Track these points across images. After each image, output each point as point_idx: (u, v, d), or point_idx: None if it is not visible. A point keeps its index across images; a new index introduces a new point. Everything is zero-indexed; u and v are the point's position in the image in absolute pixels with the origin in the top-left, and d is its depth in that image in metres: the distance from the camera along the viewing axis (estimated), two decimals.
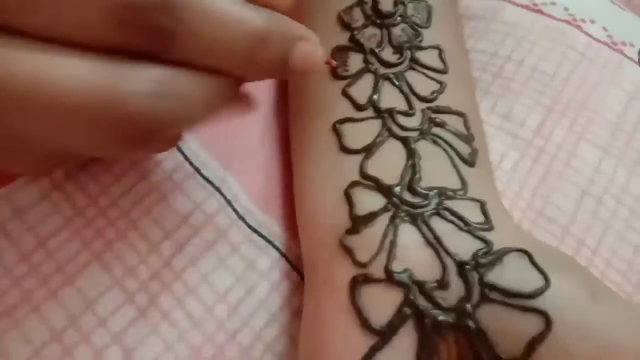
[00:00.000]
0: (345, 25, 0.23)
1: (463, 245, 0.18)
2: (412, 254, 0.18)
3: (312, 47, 0.18)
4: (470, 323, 0.17)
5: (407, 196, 0.19)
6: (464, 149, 0.21)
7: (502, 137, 0.27)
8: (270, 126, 0.26)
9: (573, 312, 0.17)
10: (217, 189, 0.24)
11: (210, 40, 0.15)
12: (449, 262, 0.18)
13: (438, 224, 0.19)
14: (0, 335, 0.20)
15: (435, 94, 0.22)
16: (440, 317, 0.17)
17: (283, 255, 0.23)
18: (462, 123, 0.22)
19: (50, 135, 0.15)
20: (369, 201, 0.19)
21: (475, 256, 0.18)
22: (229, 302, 0.22)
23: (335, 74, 0.22)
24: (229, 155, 0.25)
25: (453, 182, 0.20)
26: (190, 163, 0.25)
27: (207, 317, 0.21)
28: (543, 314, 0.17)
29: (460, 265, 0.18)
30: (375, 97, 0.22)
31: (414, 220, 0.19)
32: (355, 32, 0.23)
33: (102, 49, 0.15)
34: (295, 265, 0.23)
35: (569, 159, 0.27)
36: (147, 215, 0.23)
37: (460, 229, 0.19)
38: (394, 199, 0.19)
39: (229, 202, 0.24)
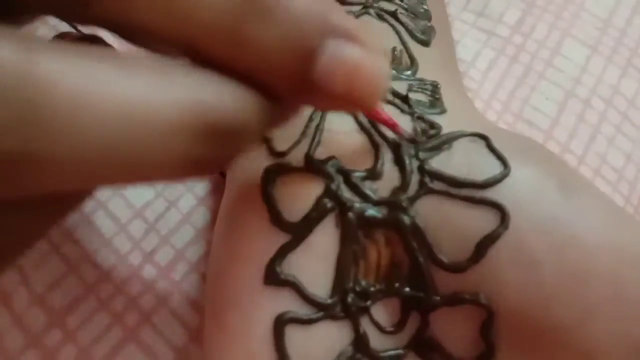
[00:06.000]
0: None
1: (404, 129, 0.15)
2: (342, 140, 0.14)
3: (365, 55, 0.10)
4: (405, 219, 0.13)
5: None
6: (416, 25, 0.17)
7: (476, 34, 0.23)
8: None
9: (536, 205, 0.13)
10: None
11: None
12: (384, 148, 0.14)
13: None
14: None
15: None
16: (368, 212, 0.13)
17: None
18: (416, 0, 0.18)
19: None
20: None
21: (415, 139, 0.14)
22: (146, 218, 0.18)
23: None
24: None
25: (401, 61, 0.16)
26: None
27: (120, 235, 0.18)
28: (498, 207, 0.13)
29: (396, 150, 0.14)
30: None
31: None
32: None
33: None
34: None
35: (552, 57, 0.23)
36: None
37: (403, 111, 0.15)
38: None
39: None
